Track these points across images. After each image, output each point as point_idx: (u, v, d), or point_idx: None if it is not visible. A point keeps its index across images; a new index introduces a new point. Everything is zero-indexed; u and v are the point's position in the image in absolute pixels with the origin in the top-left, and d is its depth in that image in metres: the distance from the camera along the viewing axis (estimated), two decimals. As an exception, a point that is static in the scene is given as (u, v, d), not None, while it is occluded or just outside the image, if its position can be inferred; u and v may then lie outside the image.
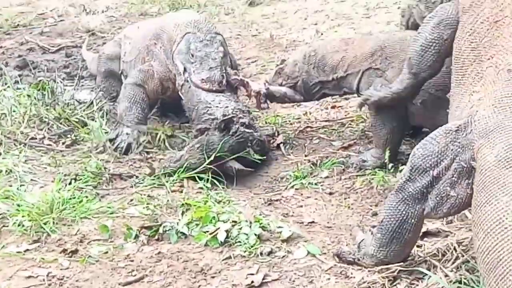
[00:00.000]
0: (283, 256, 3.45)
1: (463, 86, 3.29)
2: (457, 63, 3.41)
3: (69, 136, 4.97)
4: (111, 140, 4.80)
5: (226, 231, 3.57)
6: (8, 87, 5.51)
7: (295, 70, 4.69)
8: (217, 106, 4.49)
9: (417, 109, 4.24)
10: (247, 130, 4.42)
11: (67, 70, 6.84)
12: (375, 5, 8.31)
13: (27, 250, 3.54)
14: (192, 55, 4.72)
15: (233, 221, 3.64)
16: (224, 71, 4.71)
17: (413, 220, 3.09)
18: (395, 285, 3.16)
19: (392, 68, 4.30)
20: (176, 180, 4.24)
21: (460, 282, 3.07)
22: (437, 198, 3.02)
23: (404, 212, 3.09)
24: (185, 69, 4.73)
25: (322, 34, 7.52)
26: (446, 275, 3.14)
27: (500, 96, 2.95)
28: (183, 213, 3.80)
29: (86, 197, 4.01)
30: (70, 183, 4.14)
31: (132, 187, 4.24)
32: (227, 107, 4.48)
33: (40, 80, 5.69)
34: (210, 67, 4.67)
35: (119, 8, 8.80)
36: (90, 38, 7.78)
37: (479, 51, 3.26)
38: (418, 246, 3.41)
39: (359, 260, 3.31)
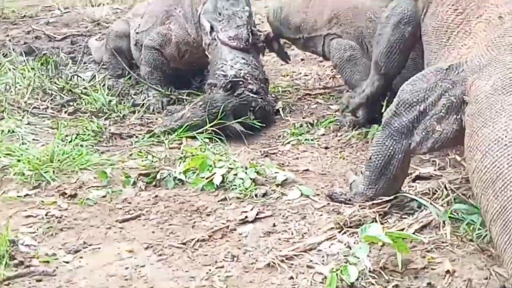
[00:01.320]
0: (277, 198, 3.51)
1: (449, 47, 3.36)
2: (438, 31, 3.50)
3: (71, 105, 5.04)
4: (137, 105, 4.99)
5: (222, 175, 3.64)
6: (12, 60, 5.60)
7: (270, 22, 5.01)
8: (232, 66, 4.56)
9: None
10: (252, 95, 4.48)
11: (72, 55, 6.91)
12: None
13: (27, 195, 3.61)
14: (220, 14, 4.80)
15: (229, 168, 3.70)
16: (250, 29, 4.80)
17: (400, 155, 3.14)
18: (386, 219, 3.21)
19: (347, 34, 4.58)
20: (176, 138, 4.30)
21: (450, 216, 3.12)
22: (423, 133, 3.07)
23: (391, 148, 3.14)
24: (212, 28, 4.80)
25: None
26: (436, 211, 3.19)
27: (492, 38, 3.02)
28: (180, 163, 3.86)
29: (87, 151, 4.07)
30: (71, 141, 4.21)
31: (131, 144, 4.31)
32: (240, 69, 4.55)
33: (44, 54, 5.78)
34: (238, 25, 4.76)
35: (124, 1, 8.92)
36: (95, 28, 7.89)
37: (466, 13, 3.35)
38: (409, 187, 3.46)
39: (350, 199, 3.36)
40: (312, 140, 4.28)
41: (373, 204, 3.26)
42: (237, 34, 4.70)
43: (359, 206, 3.27)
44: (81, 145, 4.16)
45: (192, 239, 3.13)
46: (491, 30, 3.08)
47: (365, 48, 4.50)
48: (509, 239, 2.35)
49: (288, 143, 4.27)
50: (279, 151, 4.17)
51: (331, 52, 4.65)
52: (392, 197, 3.26)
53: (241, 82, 4.48)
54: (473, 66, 2.95)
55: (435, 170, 3.71)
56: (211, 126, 4.31)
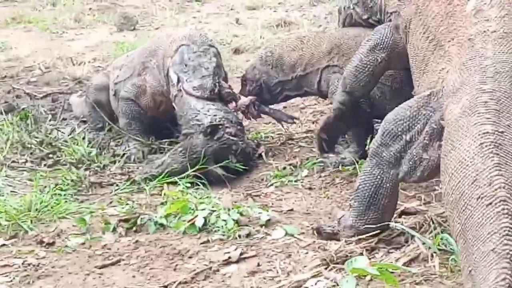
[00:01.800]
0: (261, 238, 3.44)
1: (428, 73, 3.37)
2: (416, 59, 3.54)
3: (51, 157, 4.96)
4: (118, 155, 4.94)
5: (204, 218, 3.56)
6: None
7: (255, 73, 4.83)
8: (205, 114, 4.52)
9: (378, 101, 4.34)
10: (232, 138, 4.44)
11: (52, 112, 6.84)
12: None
13: (4, 245, 3.51)
14: (186, 65, 4.79)
15: (211, 210, 3.62)
16: (216, 80, 4.75)
17: (388, 185, 3.11)
18: (373, 254, 3.13)
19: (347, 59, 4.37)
20: (156, 184, 4.23)
21: (439, 248, 3.05)
22: (410, 162, 3.04)
23: (378, 177, 3.10)
24: (178, 79, 4.78)
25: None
26: (424, 243, 3.12)
27: (464, 60, 3.02)
28: (161, 207, 3.77)
29: (65, 200, 3.98)
30: (49, 191, 4.12)
31: (111, 192, 4.22)
32: (215, 115, 4.51)
33: (23, 108, 5.73)
34: (203, 76, 4.73)
35: (105, 60, 8.92)
36: (76, 86, 7.86)
37: (438, 39, 3.37)
38: (396, 222, 3.39)
39: (338, 232, 3.29)
40: (295, 181, 4.22)
41: (359, 239, 3.19)
42: (202, 84, 4.67)
43: (345, 241, 3.20)
44: (60, 195, 4.07)
45: (174, 282, 3.03)
46: (463, 52, 3.08)
47: None
48: (467, 260, 2.29)
49: (272, 185, 4.21)
50: (262, 193, 4.10)
51: (330, 87, 4.53)
52: (380, 230, 3.19)
53: (219, 126, 4.44)
54: (448, 90, 2.95)
55: (420, 205, 3.66)
56: (192, 172, 4.24)
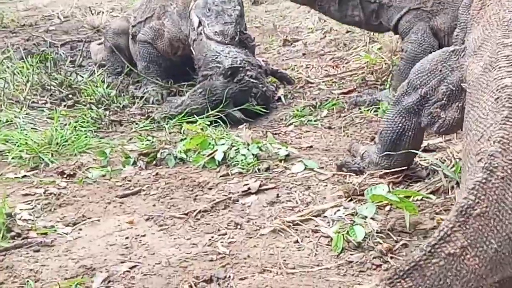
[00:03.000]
0: (281, 171, 3.44)
1: (468, 30, 3.19)
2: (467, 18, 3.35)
3: (71, 98, 4.97)
4: (137, 97, 4.93)
5: (224, 152, 3.56)
6: (10, 57, 5.55)
7: None
8: (226, 56, 4.49)
9: None
10: (252, 80, 4.42)
11: (71, 59, 6.84)
12: None
13: (25, 176, 3.54)
14: (209, 9, 4.74)
15: (230, 145, 3.62)
16: (238, 28, 4.70)
17: (410, 133, 3.06)
18: (395, 187, 3.12)
19: (445, 14, 4.08)
20: (176, 123, 4.23)
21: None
22: (429, 117, 2.97)
23: (400, 125, 3.06)
24: (200, 23, 4.75)
25: (325, 21, 7.52)
26: (446, 176, 3.11)
27: (488, 16, 2.87)
28: (181, 141, 3.78)
29: (86, 136, 4.00)
30: (70, 127, 4.13)
31: (131, 130, 4.24)
32: (236, 57, 4.48)
33: (43, 51, 5.73)
34: (225, 22, 4.68)
35: (124, 9, 8.89)
36: (95, 34, 7.85)
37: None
38: (418, 157, 3.37)
39: (363, 168, 3.27)
40: (315, 121, 4.20)
41: (384, 173, 3.17)
42: (223, 30, 4.63)
43: (369, 174, 3.18)
44: (80, 130, 4.09)
45: (194, 210, 3.05)
46: (489, 11, 2.92)
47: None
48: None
49: (291, 124, 4.20)
50: (281, 131, 4.09)
51: (406, 34, 4.21)
52: (405, 167, 3.17)
53: (240, 69, 4.41)
54: (470, 49, 2.82)
55: (441, 142, 3.63)
56: (211, 114, 4.24)
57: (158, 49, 5.15)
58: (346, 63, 5.42)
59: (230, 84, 4.36)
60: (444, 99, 2.90)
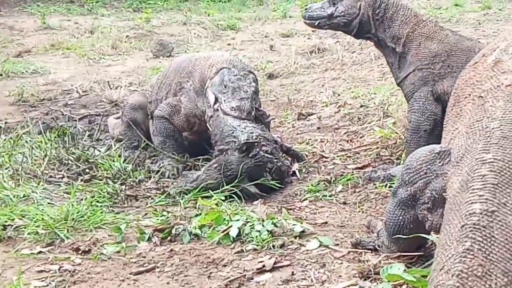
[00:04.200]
0: (296, 248, 3.42)
1: (446, 131, 3.09)
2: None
3: (87, 172, 5.02)
4: (153, 172, 4.97)
5: (238, 228, 3.56)
6: (29, 132, 5.64)
7: (354, 5, 4.50)
8: (242, 131, 4.55)
9: None
10: (267, 155, 4.46)
11: (89, 133, 6.92)
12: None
13: (40, 252, 3.55)
14: (225, 86, 4.84)
15: (245, 221, 3.63)
16: (254, 104, 4.80)
17: (410, 225, 2.97)
18: (411, 266, 3.09)
19: (452, 77, 4.14)
20: (191, 198, 4.25)
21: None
22: (420, 215, 2.88)
23: (400, 217, 2.99)
24: (216, 100, 4.82)
25: (339, 95, 7.63)
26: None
27: (471, 122, 2.78)
28: (196, 217, 3.79)
29: (101, 211, 4.02)
30: (86, 202, 4.16)
31: (146, 205, 4.25)
32: (252, 133, 4.54)
33: (62, 126, 5.82)
34: (241, 98, 4.77)
35: (141, 84, 9.06)
36: (113, 108, 7.98)
37: (457, 94, 3.09)
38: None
39: (378, 247, 3.25)
40: (330, 196, 4.21)
41: (400, 255, 3.14)
42: (240, 106, 4.72)
43: (385, 256, 3.16)
44: (96, 206, 4.11)
45: (209, 288, 3.03)
46: (473, 112, 2.82)
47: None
48: None
49: (306, 199, 4.20)
50: (296, 207, 4.09)
51: (410, 97, 4.35)
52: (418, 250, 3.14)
53: (256, 144, 4.46)
54: (454, 157, 2.73)
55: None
56: (226, 189, 4.25)
57: (175, 124, 5.22)
58: (360, 137, 5.46)
59: (246, 159, 4.39)
60: (430, 203, 2.80)
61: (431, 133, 4.18)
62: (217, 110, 4.78)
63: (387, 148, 4.96)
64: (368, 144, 5.16)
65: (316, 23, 4.68)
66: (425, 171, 2.81)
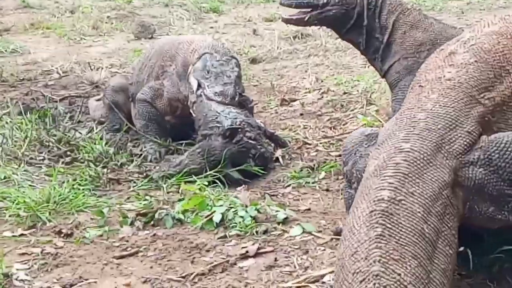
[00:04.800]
0: (279, 234, 3.45)
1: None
2: None
3: (69, 155, 4.98)
4: (135, 155, 4.96)
5: (222, 213, 3.57)
6: (9, 113, 5.59)
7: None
8: (225, 116, 4.53)
9: None
10: (250, 141, 4.46)
11: (70, 114, 6.85)
12: (374, 57, 8.48)
13: (22, 234, 3.54)
14: (208, 72, 4.81)
15: (228, 206, 3.63)
16: (237, 89, 4.78)
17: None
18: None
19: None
20: (174, 183, 4.24)
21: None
22: (349, 194, 2.95)
23: (345, 197, 3.11)
24: (199, 85, 4.80)
25: (322, 81, 7.62)
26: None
27: (404, 109, 2.81)
28: (179, 203, 3.79)
29: (83, 194, 4.00)
30: (67, 185, 4.13)
31: (129, 189, 4.24)
32: (235, 118, 4.53)
33: (42, 107, 5.77)
34: (225, 83, 4.75)
35: (123, 66, 8.99)
36: (93, 90, 7.91)
37: (416, 79, 3.03)
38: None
39: None
40: (313, 183, 4.22)
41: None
42: (223, 91, 4.69)
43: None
44: (78, 189, 4.08)
45: (192, 273, 3.06)
46: (410, 100, 2.86)
47: None
48: None
49: (289, 186, 4.21)
50: (279, 193, 4.11)
51: (394, 87, 4.38)
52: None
53: (239, 130, 4.45)
54: (379, 140, 2.75)
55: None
56: (209, 174, 4.25)
57: (157, 108, 5.19)
58: (343, 125, 5.47)
59: (229, 145, 4.39)
60: (355, 183, 2.84)
61: None
62: (201, 95, 4.76)
63: (369, 135, 4.96)
64: (351, 131, 5.16)
65: (307, 18, 4.47)
66: (354, 151, 2.91)
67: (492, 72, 2.82)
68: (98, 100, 6.80)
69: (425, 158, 2.49)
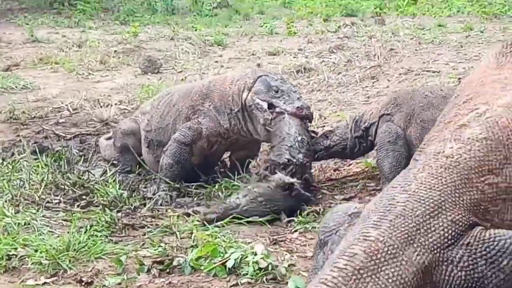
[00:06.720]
0: (287, 283, 3.62)
1: None
2: None
3: (84, 198, 5.20)
4: (147, 198, 5.18)
5: (234, 260, 3.76)
6: (26, 157, 5.82)
7: (346, 131, 5.31)
8: (299, 149, 4.84)
9: None
10: (307, 194, 4.77)
11: (81, 153, 7.06)
12: (375, 93, 8.72)
13: (45, 283, 3.73)
14: (276, 91, 5.08)
15: (240, 254, 3.82)
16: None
17: None
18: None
19: (400, 112, 4.94)
20: (186, 229, 4.44)
21: None
22: None
23: None
24: (271, 105, 5.05)
25: (325, 118, 7.85)
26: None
27: (388, 186, 2.63)
28: (192, 250, 3.98)
29: (101, 241, 4.20)
30: (85, 231, 4.34)
31: (144, 235, 4.44)
32: (306, 154, 4.85)
33: (57, 151, 6.00)
34: (298, 98, 5.10)
35: (131, 102, 9.23)
36: (103, 127, 8.15)
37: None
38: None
39: None
40: (319, 228, 4.39)
41: None
42: (302, 105, 5.02)
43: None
44: (96, 235, 4.29)
45: (206, 325, 3.23)
46: (400, 174, 2.66)
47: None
48: None
49: (296, 231, 4.40)
50: (287, 238, 4.29)
51: (377, 134, 4.99)
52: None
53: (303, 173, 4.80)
54: (358, 220, 2.54)
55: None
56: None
57: (195, 148, 5.40)
58: (347, 166, 5.68)
59: (289, 199, 4.64)
60: None
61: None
62: (282, 112, 4.99)
63: (372, 178, 5.18)
64: (354, 174, 5.38)
65: (316, 156, 5.27)
66: (335, 231, 2.66)
67: (503, 152, 2.48)
68: (108, 138, 7.02)
69: (389, 252, 2.17)
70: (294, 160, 4.78)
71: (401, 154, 4.74)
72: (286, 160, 4.79)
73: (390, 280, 2.11)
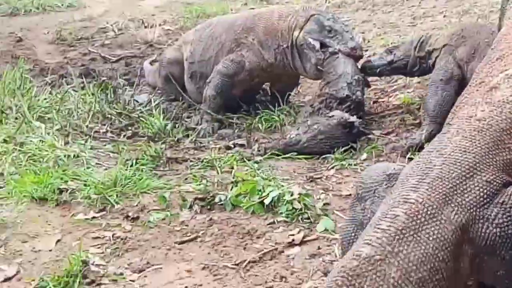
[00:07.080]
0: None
1: None
2: None
3: (130, 129, 5.41)
4: (190, 129, 5.37)
5: (272, 198, 3.94)
6: (74, 86, 6.02)
7: (410, 48, 5.28)
8: (356, 87, 4.95)
9: None
10: (367, 132, 4.94)
11: (126, 77, 7.25)
12: (421, 14, 8.59)
13: (94, 217, 3.98)
14: (329, 31, 5.13)
15: (278, 192, 3.99)
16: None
17: None
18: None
19: (464, 46, 4.88)
20: (226, 162, 4.62)
21: None
22: None
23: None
24: (322, 45, 5.11)
25: (369, 41, 7.81)
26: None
27: (425, 150, 2.70)
28: (232, 187, 4.17)
29: (146, 177, 4.42)
30: (131, 165, 4.56)
31: (187, 168, 4.64)
32: (360, 92, 4.99)
33: (104, 81, 6.19)
34: (351, 37, 5.16)
35: (175, 22, 9.30)
36: (148, 49, 8.29)
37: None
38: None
39: None
40: (355, 165, 4.54)
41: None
42: (355, 45, 5.10)
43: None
44: (141, 170, 4.50)
45: (244, 261, 3.44)
46: (435, 138, 2.73)
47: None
48: None
49: (332, 167, 4.54)
50: (323, 175, 4.44)
51: (435, 67, 5.01)
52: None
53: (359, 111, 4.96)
54: (396, 184, 2.58)
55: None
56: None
57: (237, 80, 5.52)
58: (388, 97, 5.73)
59: (349, 135, 4.79)
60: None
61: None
62: (335, 53, 5.06)
63: (411, 113, 5.25)
64: (392, 108, 5.45)
65: (378, 71, 5.35)
66: (373, 190, 2.72)
67: None
68: (153, 61, 7.19)
69: (429, 212, 2.28)
70: (354, 97, 4.88)
71: (450, 95, 4.69)
72: (345, 96, 4.88)
73: (430, 238, 2.24)
